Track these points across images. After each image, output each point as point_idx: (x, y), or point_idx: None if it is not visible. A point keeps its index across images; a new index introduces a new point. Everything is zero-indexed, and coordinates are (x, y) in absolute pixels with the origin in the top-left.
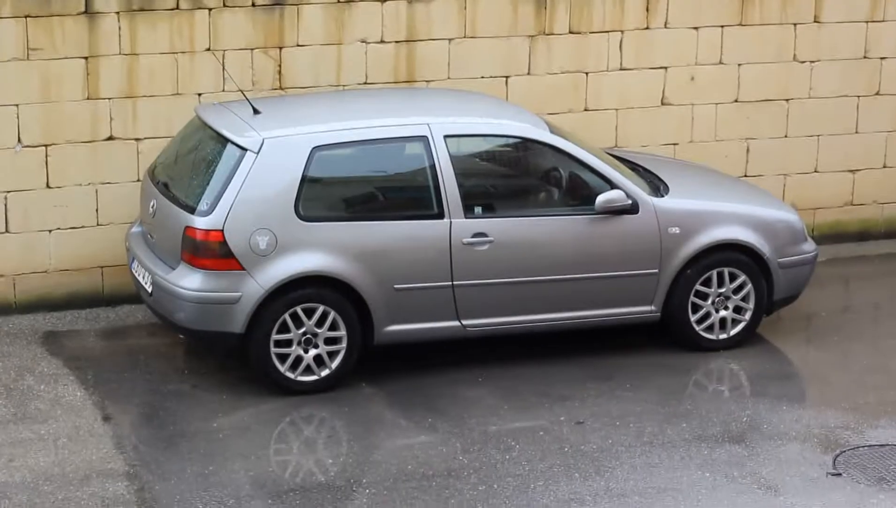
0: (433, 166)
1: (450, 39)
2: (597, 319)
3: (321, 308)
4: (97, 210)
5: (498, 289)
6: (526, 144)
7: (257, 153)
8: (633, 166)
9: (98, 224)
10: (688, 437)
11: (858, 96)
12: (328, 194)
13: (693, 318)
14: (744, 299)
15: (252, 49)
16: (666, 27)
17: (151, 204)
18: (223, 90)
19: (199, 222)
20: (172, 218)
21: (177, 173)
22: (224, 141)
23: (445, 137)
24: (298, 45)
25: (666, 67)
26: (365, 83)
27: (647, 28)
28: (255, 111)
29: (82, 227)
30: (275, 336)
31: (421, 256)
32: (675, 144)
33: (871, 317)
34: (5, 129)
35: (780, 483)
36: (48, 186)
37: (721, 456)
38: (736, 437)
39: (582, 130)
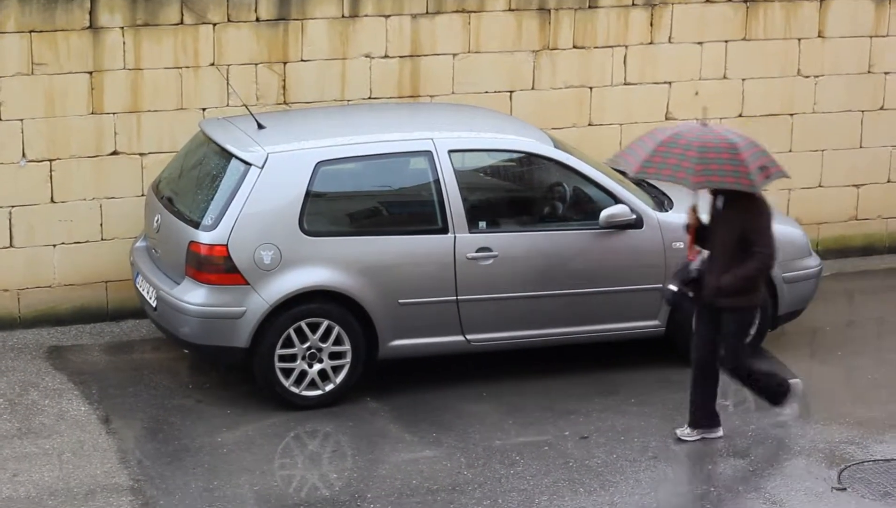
0: (437, 181)
1: (454, 54)
2: (601, 333)
3: (325, 323)
4: (102, 225)
5: (502, 304)
6: (530, 158)
7: (261, 168)
8: (638, 181)
9: (102, 239)
10: (692, 452)
11: (863, 111)
12: (332, 209)
13: None
14: None
15: (256, 64)
16: (670, 42)
17: (156, 219)
18: (227, 105)
19: (204, 237)
20: (177, 233)
21: (181, 188)
22: (228, 156)
23: (450, 151)
24: (303, 60)
25: (670, 82)
26: (369, 98)
27: (651, 43)
28: (260, 126)
29: (87, 242)
30: (279, 351)
31: (425, 270)
32: None
33: (876, 332)
34: (10, 143)
35: (786, 498)
36: (53, 201)
37: (726, 471)
38: (741, 452)
39: (586, 145)
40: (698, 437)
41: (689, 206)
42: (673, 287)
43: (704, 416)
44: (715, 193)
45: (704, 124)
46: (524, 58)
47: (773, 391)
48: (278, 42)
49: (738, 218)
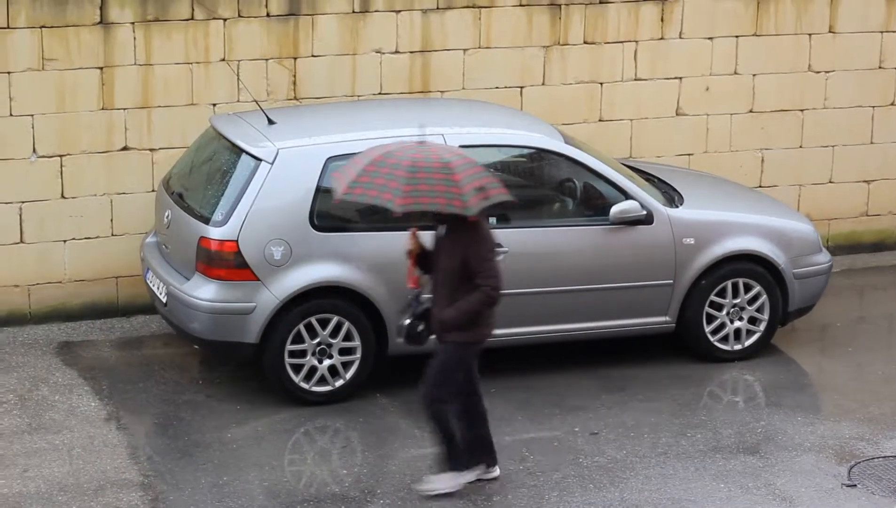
0: None
1: (464, 50)
2: (611, 329)
3: (335, 319)
4: (112, 220)
5: (512, 300)
6: (540, 154)
7: (272, 164)
8: (648, 177)
9: (113, 235)
10: (702, 448)
11: (873, 107)
12: (342, 205)
13: (708, 329)
14: (758, 309)
15: (267, 59)
16: (681, 37)
17: (166, 214)
18: (238, 100)
19: (214, 233)
20: (187, 228)
21: (191, 184)
22: (239, 151)
23: (460, 147)
24: (313, 56)
25: (681, 78)
26: (380, 93)
27: (662, 38)
28: (270, 122)
29: (97, 237)
30: (289, 347)
31: None
32: (689, 155)
33: (886, 327)
34: (21, 139)
35: (795, 494)
36: (63, 197)
37: (736, 467)
38: (751, 448)
39: (596, 141)
40: (460, 480)
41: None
42: (405, 321)
43: (477, 450)
44: (438, 216)
45: (422, 142)
46: (535, 53)
47: (469, 452)
48: (289, 37)
49: (459, 245)
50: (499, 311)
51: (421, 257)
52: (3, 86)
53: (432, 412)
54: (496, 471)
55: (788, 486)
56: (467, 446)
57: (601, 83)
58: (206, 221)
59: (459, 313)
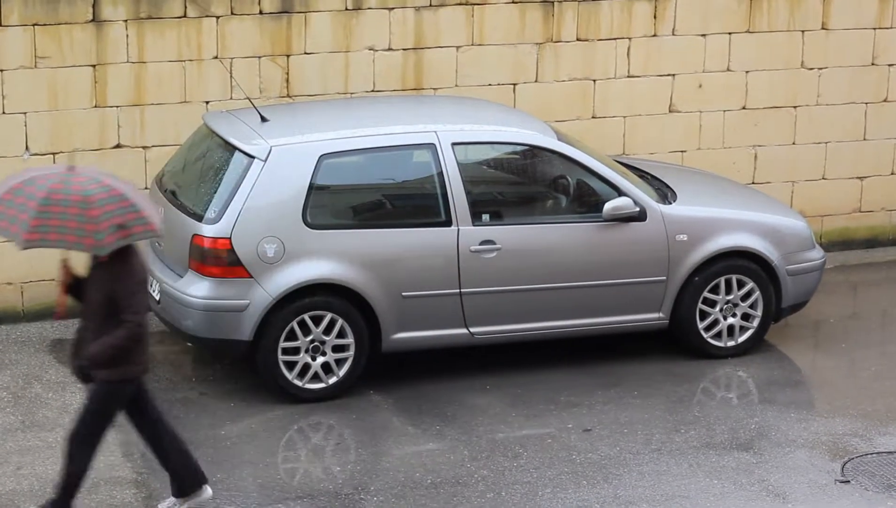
0: (441, 174)
1: (457, 47)
2: (604, 326)
3: (329, 316)
4: None
5: (505, 296)
6: (533, 151)
7: (265, 161)
8: (641, 174)
9: None
10: (696, 444)
11: (866, 103)
12: (336, 202)
13: (701, 325)
14: (752, 306)
15: (259, 57)
16: (674, 34)
17: (159, 212)
18: (231, 98)
19: (207, 230)
20: (180, 226)
21: (184, 181)
22: (232, 149)
23: (453, 144)
24: (306, 53)
25: (674, 75)
26: (373, 91)
27: (655, 35)
28: (263, 119)
29: None
30: (282, 344)
31: (429, 263)
32: (682, 152)
33: (880, 324)
34: (13, 137)
35: (789, 491)
36: None
37: (729, 463)
38: (744, 444)
39: (589, 138)
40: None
41: (61, 259)
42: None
43: (186, 481)
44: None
45: (71, 169)
46: (528, 50)
47: (179, 478)
48: (282, 35)
49: (107, 278)
50: (493, 308)
51: (73, 288)
52: None
53: (70, 449)
54: (208, 491)
55: (782, 482)
56: (174, 473)
57: (594, 80)
58: (200, 218)
59: (104, 348)
